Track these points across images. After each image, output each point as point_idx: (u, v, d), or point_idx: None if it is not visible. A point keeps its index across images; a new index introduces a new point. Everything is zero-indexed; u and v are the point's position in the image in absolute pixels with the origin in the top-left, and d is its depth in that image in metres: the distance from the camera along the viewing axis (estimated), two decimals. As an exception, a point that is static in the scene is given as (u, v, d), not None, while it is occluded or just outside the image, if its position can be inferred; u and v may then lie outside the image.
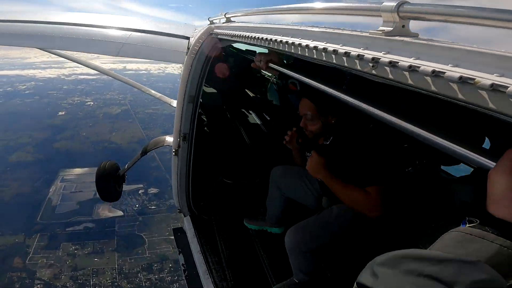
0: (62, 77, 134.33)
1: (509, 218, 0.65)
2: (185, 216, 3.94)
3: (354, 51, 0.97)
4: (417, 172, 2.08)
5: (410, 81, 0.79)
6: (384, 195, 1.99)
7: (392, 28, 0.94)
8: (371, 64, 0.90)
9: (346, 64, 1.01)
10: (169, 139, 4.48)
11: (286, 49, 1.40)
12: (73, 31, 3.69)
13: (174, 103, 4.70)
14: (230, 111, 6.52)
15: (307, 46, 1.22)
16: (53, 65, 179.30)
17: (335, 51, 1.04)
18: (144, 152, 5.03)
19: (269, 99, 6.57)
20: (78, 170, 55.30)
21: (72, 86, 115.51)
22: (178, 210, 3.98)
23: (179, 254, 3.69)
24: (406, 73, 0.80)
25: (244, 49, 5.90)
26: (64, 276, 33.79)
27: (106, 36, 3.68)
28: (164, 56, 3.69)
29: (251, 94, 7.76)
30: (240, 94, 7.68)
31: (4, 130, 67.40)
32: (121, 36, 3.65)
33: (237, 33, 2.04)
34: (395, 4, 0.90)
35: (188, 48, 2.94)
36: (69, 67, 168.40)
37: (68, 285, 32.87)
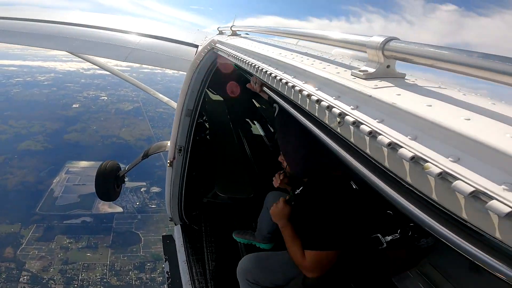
0: (81, 70, 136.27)
1: None
2: (175, 225, 3.92)
3: (325, 99, 0.96)
4: (396, 242, 1.86)
5: (367, 150, 0.78)
6: (323, 261, 1.83)
7: (375, 70, 0.94)
8: (338, 120, 0.88)
9: (316, 114, 1.01)
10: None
11: (269, 82, 1.40)
12: (87, 33, 3.85)
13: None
14: (234, 120, 6.31)
15: (286, 83, 1.22)
16: (74, 59, 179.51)
17: (309, 96, 1.04)
18: (145, 156, 5.15)
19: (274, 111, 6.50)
20: (84, 163, 55.28)
21: (90, 80, 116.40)
22: (170, 219, 3.97)
23: (165, 261, 3.69)
24: (367, 139, 0.77)
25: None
26: (53, 269, 33.07)
27: (118, 40, 3.77)
28: (171, 64, 3.72)
29: (257, 105, 7.58)
30: (246, 104, 7.55)
31: (18, 118, 68.23)
32: (132, 41, 3.72)
33: (232, 52, 2.05)
34: (381, 41, 0.87)
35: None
36: (89, 62, 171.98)
37: (55, 279, 32.05)
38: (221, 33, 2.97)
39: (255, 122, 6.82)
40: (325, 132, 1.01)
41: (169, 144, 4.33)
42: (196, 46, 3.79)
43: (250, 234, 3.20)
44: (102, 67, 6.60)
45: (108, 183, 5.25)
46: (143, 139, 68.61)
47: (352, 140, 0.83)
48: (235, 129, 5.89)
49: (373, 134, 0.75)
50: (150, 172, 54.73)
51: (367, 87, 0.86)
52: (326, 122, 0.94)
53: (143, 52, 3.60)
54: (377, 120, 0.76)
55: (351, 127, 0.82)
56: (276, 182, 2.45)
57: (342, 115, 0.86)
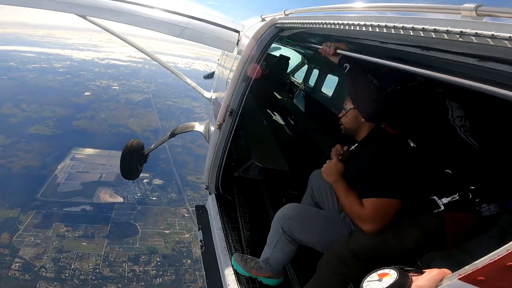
0: (96, 60, 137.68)
1: None
2: (210, 194, 3.96)
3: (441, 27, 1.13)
4: (454, 204, 1.74)
5: (491, 42, 0.94)
6: (384, 210, 1.79)
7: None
8: (458, 36, 1.05)
9: (433, 36, 1.15)
10: (199, 126, 5.21)
11: (370, 30, 1.45)
12: (146, 11, 4.23)
13: (206, 93, 6.18)
14: (257, 109, 6.42)
15: (394, 27, 1.31)
16: (91, 48, 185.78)
17: (423, 29, 1.18)
18: (173, 135, 5.60)
19: (296, 104, 7.34)
20: (89, 151, 55.13)
21: (103, 69, 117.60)
22: (206, 187, 3.98)
23: (198, 230, 3.66)
24: (489, 40, 0.95)
25: (278, 55, 7.19)
26: (46, 257, 32.47)
27: (170, 19, 4.18)
28: (218, 44, 4.05)
29: (279, 97, 7.99)
30: (269, 95, 7.86)
31: (30, 102, 68.41)
32: (182, 21, 4.15)
33: (307, 21, 2.14)
34: (474, 5, 1.07)
35: (238, 40, 3.87)
36: (105, 52, 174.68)
37: (47, 267, 31.38)
38: (263, 20, 3.27)
39: (276, 113, 6.92)
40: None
41: (196, 125, 5.22)
42: (238, 32, 4.24)
43: (254, 263, 2.70)
44: (139, 49, 6.52)
45: (133, 161, 5.50)
46: (150, 130, 68.28)
47: (475, 41, 0.99)
48: (259, 116, 5.99)
49: (494, 36, 0.92)
50: (154, 164, 54.02)
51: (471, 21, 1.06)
52: (446, 37, 1.10)
53: (193, 31, 3.96)
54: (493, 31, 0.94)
55: (472, 37, 1.00)
56: (334, 151, 2.29)
57: (462, 32, 1.02)
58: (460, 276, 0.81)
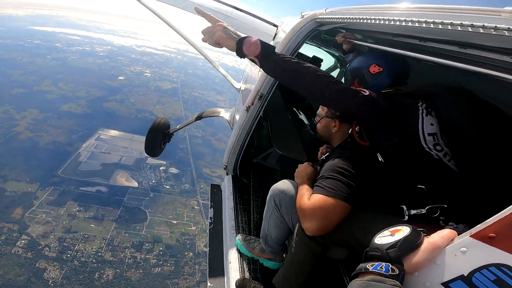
0: (133, 46, 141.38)
1: None
2: (227, 174, 3.94)
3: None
4: (419, 217, 1.64)
5: None
6: (327, 209, 1.67)
7: None
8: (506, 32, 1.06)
9: (470, 30, 1.19)
10: (224, 113, 5.37)
11: (410, 25, 1.49)
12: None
13: (236, 84, 6.67)
14: (283, 104, 6.25)
15: (434, 22, 1.32)
16: (131, 35, 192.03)
17: (472, 25, 1.18)
18: (199, 117, 5.46)
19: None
20: (114, 132, 55.99)
21: (139, 56, 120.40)
22: (224, 167, 3.92)
23: (210, 208, 3.60)
24: None
25: (311, 56, 6.77)
26: (52, 236, 32.58)
27: (215, 7, 4.64)
28: (255, 35, 3.01)
29: None
30: (296, 93, 6.71)
31: (67, 81, 70.83)
32: (225, 10, 4.68)
33: (348, 16, 2.17)
34: None
35: (276, 34, 4.06)
36: (142, 39, 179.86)
37: (51, 246, 31.41)
38: (303, 17, 3.29)
39: (301, 112, 6.71)
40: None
41: (222, 111, 5.34)
42: (276, 26, 4.81)
43: (257, 244, 2.65)
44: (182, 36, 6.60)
45: (157, 139, 5.50)
46: (173, 118, 67.67)
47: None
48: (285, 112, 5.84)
49: None
50: (172, 153, 54.46)
51: None
52: (493, 33, 1.11)
53: (235, 20, 4.42)
54: None
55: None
56: (319, 152, 2.33)
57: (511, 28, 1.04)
58: (471, 234, 0.84)
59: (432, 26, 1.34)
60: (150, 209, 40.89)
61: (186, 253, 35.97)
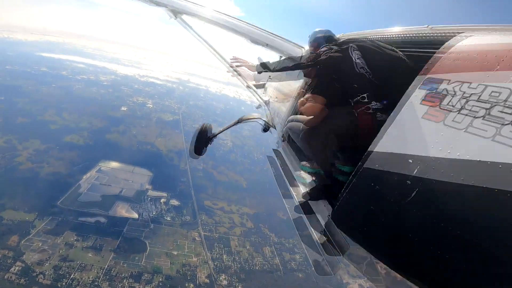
0: (136, 76, 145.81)
1: None
2: (283, 141, 5.64)
3: None
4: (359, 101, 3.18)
5: None
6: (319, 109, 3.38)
7: None
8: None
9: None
10: (262, 116, 6.75)
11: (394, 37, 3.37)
12: (232, 20, 5.47)
13: (263, 97, 8.28)
14: None
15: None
16: (134, 64, 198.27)
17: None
18: (240, 121, 6.22)
19: None
20: (115, 164, 56.84)
21: (142, 86, 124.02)
22: (282, 137, 5.72)
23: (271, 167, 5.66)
24: None
25: None
26: (48, 264, 32.40)
27: (255, 32, 5.46)
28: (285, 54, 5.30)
29: None
30: None
31: (71, 111, 72.45)
32: (263, 35, 5.40)
33: (359, 36, 3.87)
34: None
35: (302, 55, 4.57)
36: (145, 69, 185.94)
37: (46, 273, 31.13)
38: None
39: None
40: None
41: (259, 115, 6.57)
42: (301, 47, 5.33)
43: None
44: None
45: (201, 142, 6.38)
46: (175, 151, 69.82)
47: None
48: None
49: None
50: (174, 185, 55.63)
51: None
52: None
53: (274, 42, 5.31)
54: None
55: None
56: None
57: None
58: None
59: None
60: (150, 240, 40.96)
61: (186, 284, 35.81)
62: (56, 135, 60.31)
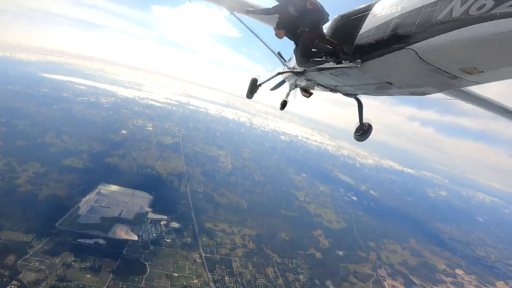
0: (137, 98, 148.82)
1: None
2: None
3: None
4: None
5: None
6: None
7: None
8: None
9: None
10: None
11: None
12: None
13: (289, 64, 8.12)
14: None
15: None
16: (134, 86, 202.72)
17: None
18: (279, 73, 8.19)
19: None
20: (114, 187, 57.29)
21: (142, 109, 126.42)
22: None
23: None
24: None
25: None
26: (45, 284, 32.35)
27: None
28: None
29: None
30: None
31: (71, 134, 73.73)
32: None
33: None
34: None
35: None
36: (146, 91, 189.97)
37: None
38: None
39: None
40: None
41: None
42: None
43: None
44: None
45: (253, 89, 9.16)
46: (175, 174, 70.62)
47: None
48: None
49: None
50: (174, 208, 56.12)
51: None
52: None
53: None
54: None
55: None
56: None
57: None
58: None
59: None
60: (150, 261, 40.92)
61: (188, 306, 35.12)
62: (56, 158, 61.13)
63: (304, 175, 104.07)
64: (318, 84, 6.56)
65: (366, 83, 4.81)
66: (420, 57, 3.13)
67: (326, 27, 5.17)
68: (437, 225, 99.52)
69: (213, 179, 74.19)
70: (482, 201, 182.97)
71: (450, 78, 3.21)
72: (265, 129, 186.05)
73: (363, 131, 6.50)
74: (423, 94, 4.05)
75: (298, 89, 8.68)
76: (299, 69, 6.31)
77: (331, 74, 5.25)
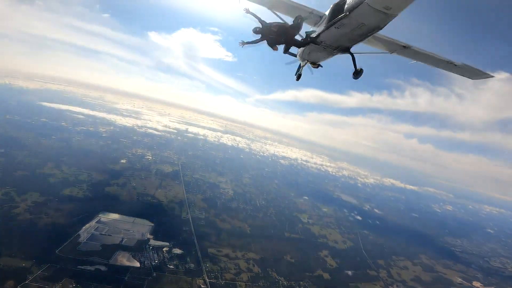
0: (135, 127, 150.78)
1: None
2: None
3: None
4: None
5: None
6: None
7: None
8: None
9: None
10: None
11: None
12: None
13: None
14: None
15: None
16: (132, 114, 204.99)
17: None
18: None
19: None
20: (115, 216, 57.36)
21: (140, 137, 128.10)
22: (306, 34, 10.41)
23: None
24: None
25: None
26: None
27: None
28: None
29: None
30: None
31: (70, 164, 74.38)
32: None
33: None
34: None
35: None
36: (144, 119, 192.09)
37: None
38: None
39: None
40: None
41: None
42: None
43: None
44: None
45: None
46: (176, 201, 70.86)
47: None
48: None
49: None
50: (176, 234, 56.13)
51: None
52: None
53: None
54: None
55: None
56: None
57: None
58: None
59: None
60: None
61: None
62: (55, 187, 61.50)
63: (306, 197, 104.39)
64: (327, 46, 9.82)
65: (353, 28, 8.23)
66: (369, 5, 7.14)
67: (327, 12, 9.08)
68: (447, 239, 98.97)
69: (215, 205, 74.41)
70: (489, 213, 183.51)
71: (385, 14, 7.21)
72: (264, 154, 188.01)
73: (358, 73, 10.14)
74: (379, 28, 8.00)
75: (308, 64, 11.93)
76: (312, 45, 10.02)
77: (335, 28, 8.70)
